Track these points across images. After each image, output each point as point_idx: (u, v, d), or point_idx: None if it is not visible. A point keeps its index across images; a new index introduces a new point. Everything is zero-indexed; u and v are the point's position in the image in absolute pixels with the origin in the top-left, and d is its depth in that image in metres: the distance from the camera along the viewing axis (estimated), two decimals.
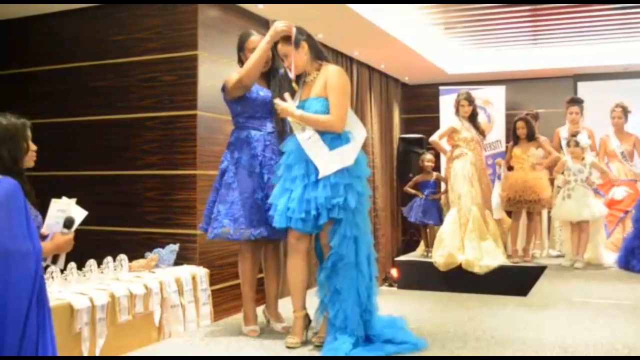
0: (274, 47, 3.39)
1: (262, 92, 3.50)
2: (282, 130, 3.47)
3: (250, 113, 3.47)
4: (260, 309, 3.71)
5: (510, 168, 6.44)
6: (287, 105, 3.19)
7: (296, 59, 3.20)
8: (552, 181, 6.45)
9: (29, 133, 2.55)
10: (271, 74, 3.55)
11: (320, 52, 3.29)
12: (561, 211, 5.97)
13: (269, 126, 3.48)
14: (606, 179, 6.30)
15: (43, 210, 2.63)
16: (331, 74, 3.18)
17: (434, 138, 6.41)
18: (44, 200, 2.68)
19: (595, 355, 3.10)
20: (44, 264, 2.49)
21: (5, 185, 2.17)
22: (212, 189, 3.60)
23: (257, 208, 3.38)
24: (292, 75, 3.25)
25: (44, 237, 2.55)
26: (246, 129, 3.48)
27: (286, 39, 3.22)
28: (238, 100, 3.48)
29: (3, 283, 2.12)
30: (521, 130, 6.26)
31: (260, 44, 3.35)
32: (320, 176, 3.04)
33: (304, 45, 3.21)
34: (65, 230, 2.56)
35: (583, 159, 5.88)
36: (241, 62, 3.56)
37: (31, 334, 2.24)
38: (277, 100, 3.25)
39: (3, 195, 2.13)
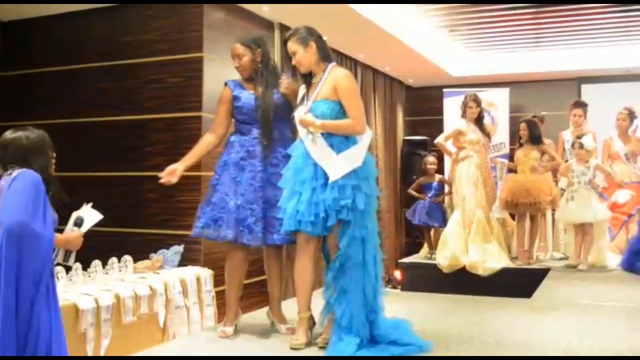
0: (261, 53, 3.48)
1: (247, 98, 3.51)
2: (265, 136, 3.44)
3: (241, 119, 3.52)
4: (264, 310, 3.72)
5: (511, 171, 6.43)
6: (306, 116, 3.18)
7: (303, 58, 3.23)
8: (556, 183, 6.45)
9: (49, 141, 2.72)
10: (257, 79, 3.52)
11: (328, 55, 3.31)
12: (565, 213, 5.97)
13: (255, 132, 3.49)
14: (611, 181, 6.28)
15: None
16: (341, 78, 3.19)
17: (439, 140, 6.40)
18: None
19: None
20: (56, 261, 2.58)
21: (30, 175, 2.47)
22: None
23: (229, 213, 3.40)
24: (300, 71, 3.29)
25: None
26: (235, 134, 3.54)
27: (297, 37, 3.23)
28: (234, 107, 3.55)
29: (16, 264, 2.33)
30: (522, 132, 6.24)
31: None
32: (330, 180, 3.06)
33: (312, 45, 3.23)
34: (75, 229, 2.70)
35: (587, 161, 5.87)
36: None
37: (41, 325, 2.33)
38: (295, 114, 3.27)
39: (29, 181, 2.44)
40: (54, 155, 2.71)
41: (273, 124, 3.45)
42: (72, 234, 2.67)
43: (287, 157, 3.34)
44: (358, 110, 3.16)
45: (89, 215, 2.74)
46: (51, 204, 2.53)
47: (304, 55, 3.22)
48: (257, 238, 3.37)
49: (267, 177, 3.42)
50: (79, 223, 2.69)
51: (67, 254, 2.68)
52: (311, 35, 3.24)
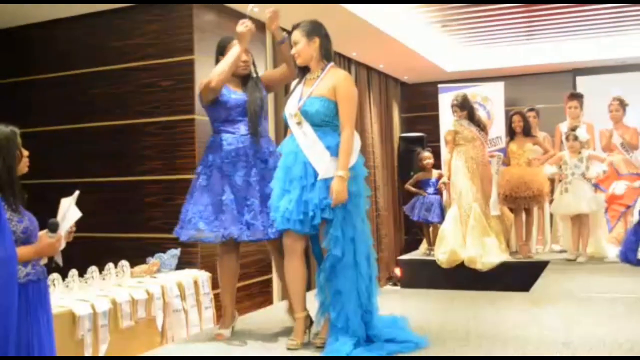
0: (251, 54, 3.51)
1: (234, 95, 3.49)
2: (255, 132, 3.44)
3: (224, 116, 3.48)
4: (261, 312, 3.71)
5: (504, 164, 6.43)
6: (339, 195, 3.02)
7: (303, 50, 3.22)
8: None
9: (19, 140, 2.54)
10: (249, 77, 3.56)
11: (330, 55, 3.31)
12: (559, 205, 5.98)
13: (243, 129, 3.47)
14: (611, 169, 6.25)
15: (43, 216, 2.62)
16: (342, 81, 3.18)
17: (448, 156, 6.39)
18: (46, 206, 2.69)
19: (598, 351, 3.09)
20: (41, 263, 2.52)
21: None
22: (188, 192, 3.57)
23: (228, 210, 3.38)
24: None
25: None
26: (221, 133, 3.49)
27: (303, 29, 3.23)
28: (213, 105, 3.50)
29: None
30: (517, 124, 6.24)
31: (232, 49, 3.41)
32: (319, 178, 3.06)
33: (316, 40, 3.23)
34: (51, 234, 2.52)
35: (580, 152, 5.87)
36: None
37: (31, 338, 2.29)
38: (286, 107, 3.26)
39: None
40: (23, 155, 2.55)
41: (259, 120, 3.47)
42: (44, 242, 2.49)
43: (274, 153, 3.40)
44: (352, 118, 3.16)
45: (69, 213, 2.57)
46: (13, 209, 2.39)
47: (305, 48, 3.22)
48: (258, 232, 3.35)
49: (261, 172, 3.41)
50: (53, 228, 2.51)
51: (50, 258, 2.57)
52: (317, 31, 3.25)
